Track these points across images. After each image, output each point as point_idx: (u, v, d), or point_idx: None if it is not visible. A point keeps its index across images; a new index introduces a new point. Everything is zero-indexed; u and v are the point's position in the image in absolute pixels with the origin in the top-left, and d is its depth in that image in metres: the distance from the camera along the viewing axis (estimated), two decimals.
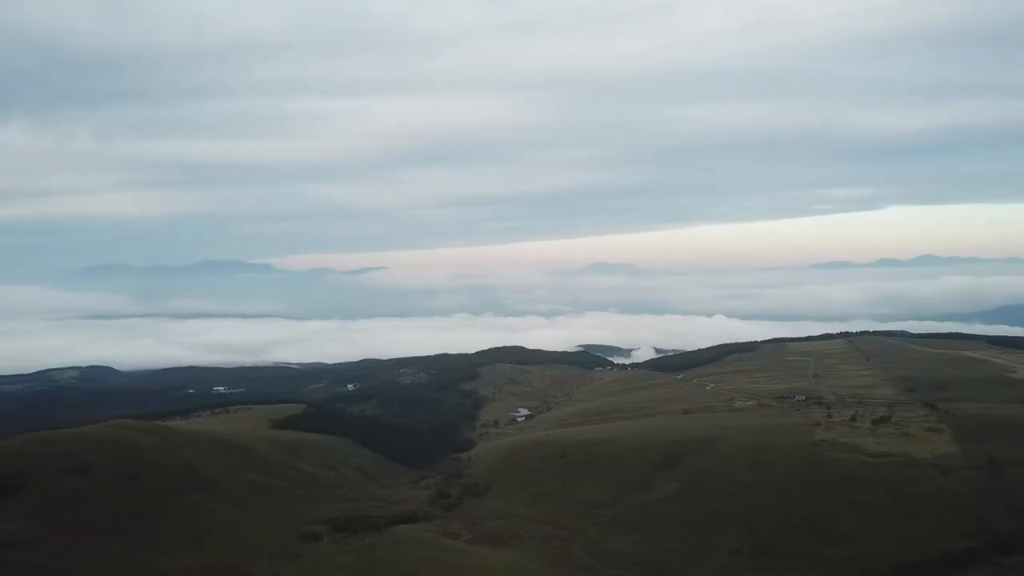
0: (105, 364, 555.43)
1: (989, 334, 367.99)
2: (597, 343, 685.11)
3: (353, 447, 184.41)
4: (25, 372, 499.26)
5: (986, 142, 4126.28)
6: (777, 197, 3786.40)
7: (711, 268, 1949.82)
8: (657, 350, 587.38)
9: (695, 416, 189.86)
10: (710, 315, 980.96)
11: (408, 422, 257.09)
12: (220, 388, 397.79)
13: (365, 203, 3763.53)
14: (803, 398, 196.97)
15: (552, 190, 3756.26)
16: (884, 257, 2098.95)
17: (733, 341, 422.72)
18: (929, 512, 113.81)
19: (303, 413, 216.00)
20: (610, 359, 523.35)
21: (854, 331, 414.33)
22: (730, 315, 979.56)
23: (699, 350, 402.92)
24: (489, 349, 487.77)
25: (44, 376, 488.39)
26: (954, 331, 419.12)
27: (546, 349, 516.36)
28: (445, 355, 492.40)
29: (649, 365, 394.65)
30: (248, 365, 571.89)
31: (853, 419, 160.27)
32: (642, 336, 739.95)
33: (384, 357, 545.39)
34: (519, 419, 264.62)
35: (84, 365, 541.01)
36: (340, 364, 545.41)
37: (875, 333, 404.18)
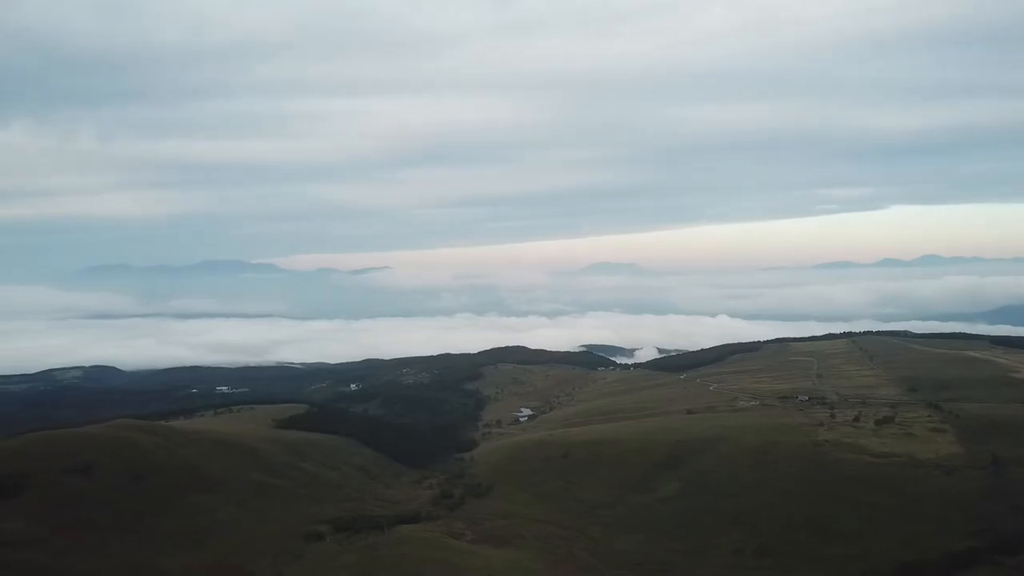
0: (108, 364, 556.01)
1: (992, 334, 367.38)
2: (600, 343, 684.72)
3: (356, 447, 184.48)
4: (28, 372, 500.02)
5: (988, 142, 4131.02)
6: (778, 197, 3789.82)
7: (714, 268, 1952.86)
8: (660, 350, 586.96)
9: (698, 416, 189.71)
10: (713, 315, 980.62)
11: (411, 422, 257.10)
12: (223, 388, 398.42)
13: (365, 203, 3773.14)
14: (806, 398, 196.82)
15: (552, 190, 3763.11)
16: (887, 257, 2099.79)
17: (736, 341, 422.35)
18: (932, 512, 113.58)
19: (306, 413, 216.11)
20: (613, 359, 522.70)
21: (857, 331, 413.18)
22: (733, 315, 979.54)
23: (702, 350, 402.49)
24: (492, 349, 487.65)
25: (47, 376, 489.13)
26: (957, 331, 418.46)
27: (549, 349, 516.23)
28: (448, 355, 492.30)
29: (652, 365, 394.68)
30: (251, 365, 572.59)
31: (856, 419, 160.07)
32: (645, 336, 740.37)
33: (387, 357, 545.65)
34: (522, 419, 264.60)
35: (87, 365, 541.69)
36: (343, 364, 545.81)
37: (878, 333, 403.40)
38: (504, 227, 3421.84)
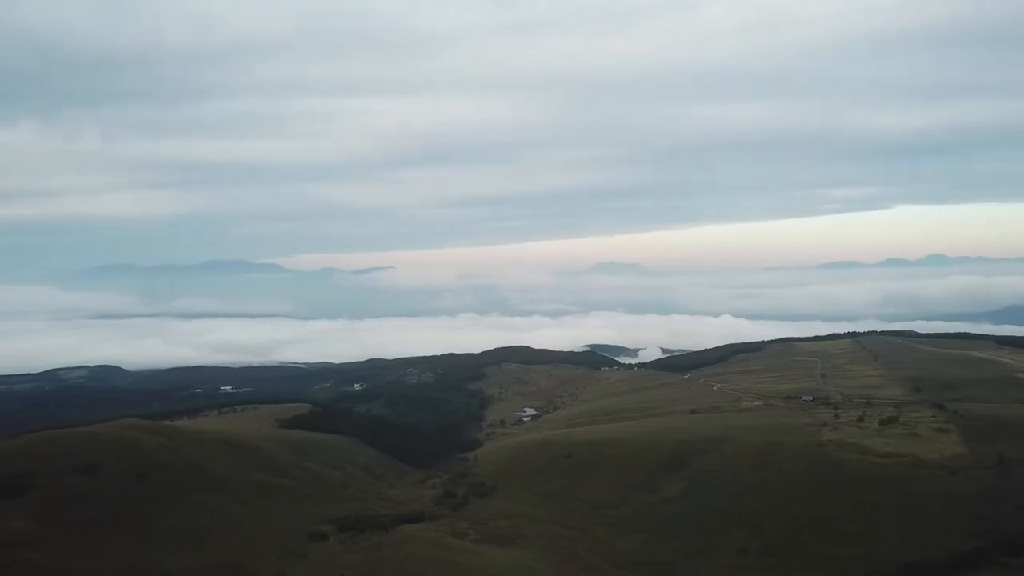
0: (112, 364, 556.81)
1: (997, 334, 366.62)
2: (603, 343, 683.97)
3: (359, 447, 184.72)
4: (33, 372, 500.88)
5: (991, 142, 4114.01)
6: (780, 197, 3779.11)
7: (718, 268, 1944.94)
8: (664, 350, 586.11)
9: (702, 416, 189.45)
10: (717, 315, 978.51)
11: (414, 422, 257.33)
12: (227, 388, 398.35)
13: (365, 203, 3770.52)
14: (810, 398, 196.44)
15: (553, 190, 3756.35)
16: (892, 257, 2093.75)
17: (740, 341, 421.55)
18: (936, 513, 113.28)
19: (309, 413, 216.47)
20: (616, 359, 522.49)
21: (862, 331, 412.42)
22: (737, 315, 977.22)
23: (706, 350, 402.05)
24: (495, 349, 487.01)
25: (52, 376, 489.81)
26: (962, 331, 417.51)
27: (552, 349, 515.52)
28: (451, 355, 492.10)
29: (656, 365, 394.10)
30: (255, 365, 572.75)
31: (861, 419, 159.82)
32: (649, 336, 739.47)
33: (390, 357, 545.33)
34: (525, 419, 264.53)
35: (92, 365, 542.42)
36: (346, 364, 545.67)
37: (883, 333, 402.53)
38: (504, 227, 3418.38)
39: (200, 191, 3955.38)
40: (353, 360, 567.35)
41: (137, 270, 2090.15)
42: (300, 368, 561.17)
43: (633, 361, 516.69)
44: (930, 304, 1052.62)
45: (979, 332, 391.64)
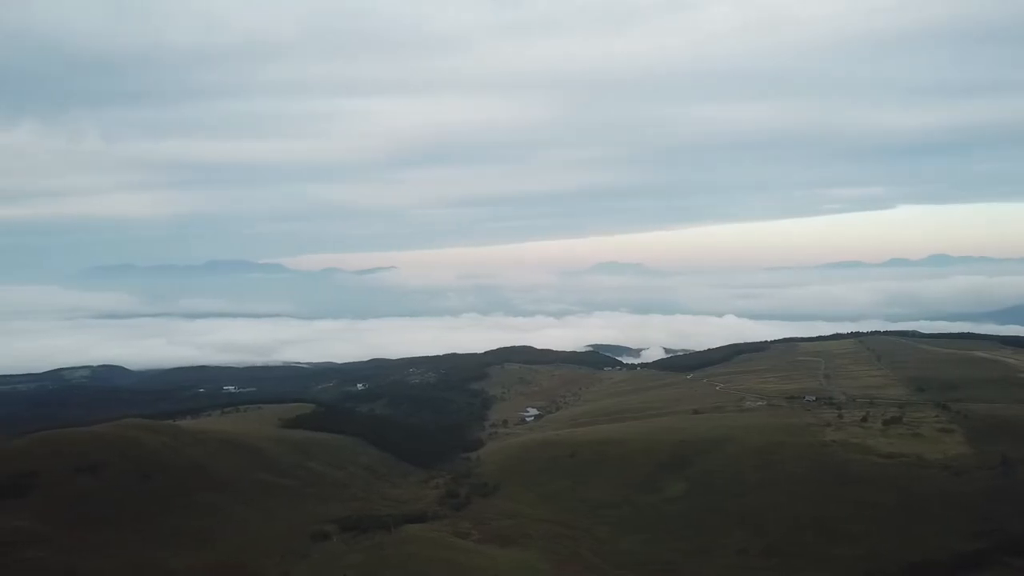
0: (116, 364, 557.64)
1: (1001, 334, 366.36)
2: (606, 343, 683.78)
3: (362, 446, 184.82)
4: (36, 372, 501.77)
5: (992, 142, 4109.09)
6: (780, 197, 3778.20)
7: (721, 268, 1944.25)
8: (667, 350, 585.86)
9: (704, 416, 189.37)
10: (720, 315, 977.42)
11: (417, 422, 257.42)
12: (230, 387, 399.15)
13: (366, 203, 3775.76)
14: (813, 398, 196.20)
15: (553, 190, 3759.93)
16: (895, 257, 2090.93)
17: (743, 341, 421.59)
18: (940, 513, 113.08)
19: (312, 413, 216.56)
20: (619, 359, 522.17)
21: (865, 331, 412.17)
22: (740, 315, 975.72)
23: (709, 350, 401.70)
24: (498, 349, 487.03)
25: (56, 375, 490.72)
26: (966, 331, 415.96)
27: (555, 349, 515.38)
28: (454, 355, 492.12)
29: (659, 365, 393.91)
30: (258, 365, 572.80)
31: (864, 420, 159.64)
32: (652, 336, 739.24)
33: (393, 357, 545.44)
34: (528, 419, 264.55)
35: (95, 365, 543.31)
36: (349, 364, 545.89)
37: (886, 333, 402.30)
38: (505, 227, 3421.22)
39: (202, 191, 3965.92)
40: (356, 360, 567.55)
41: (140, 270, 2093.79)
42: (303, 368, 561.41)
43: (636, 361, 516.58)
44: (933, 304, 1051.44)
45: (982, 332, 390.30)
